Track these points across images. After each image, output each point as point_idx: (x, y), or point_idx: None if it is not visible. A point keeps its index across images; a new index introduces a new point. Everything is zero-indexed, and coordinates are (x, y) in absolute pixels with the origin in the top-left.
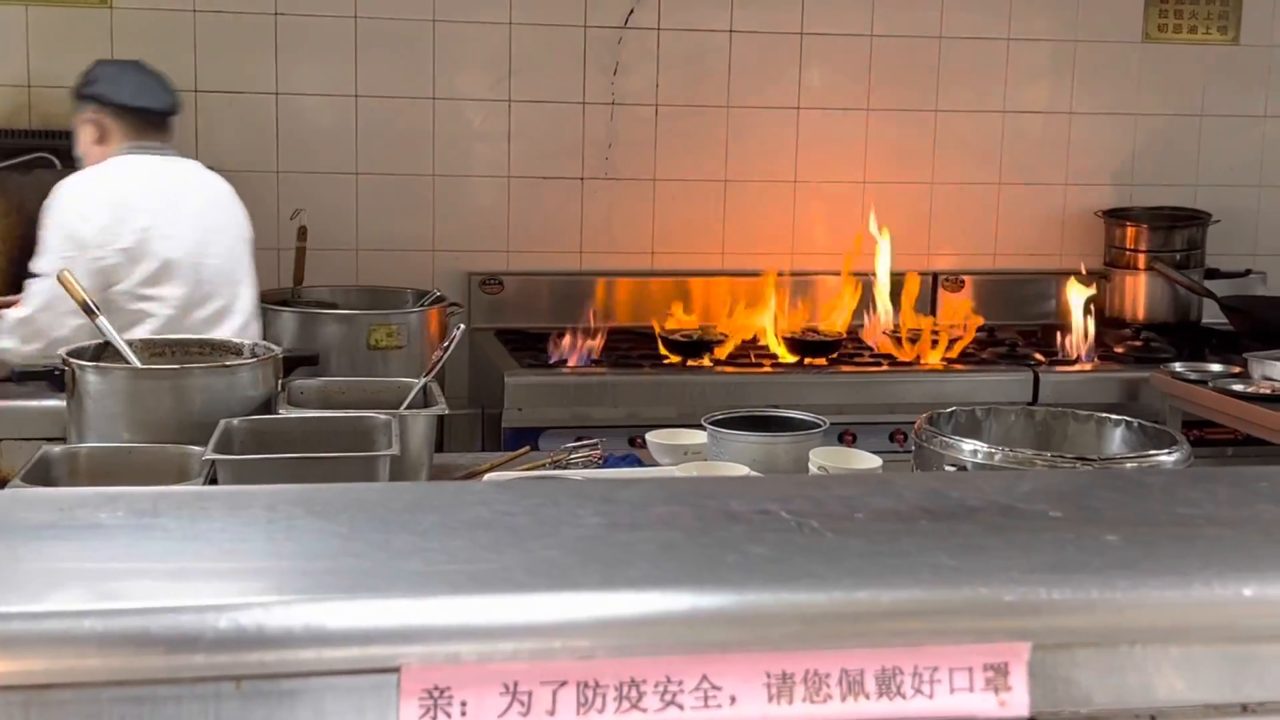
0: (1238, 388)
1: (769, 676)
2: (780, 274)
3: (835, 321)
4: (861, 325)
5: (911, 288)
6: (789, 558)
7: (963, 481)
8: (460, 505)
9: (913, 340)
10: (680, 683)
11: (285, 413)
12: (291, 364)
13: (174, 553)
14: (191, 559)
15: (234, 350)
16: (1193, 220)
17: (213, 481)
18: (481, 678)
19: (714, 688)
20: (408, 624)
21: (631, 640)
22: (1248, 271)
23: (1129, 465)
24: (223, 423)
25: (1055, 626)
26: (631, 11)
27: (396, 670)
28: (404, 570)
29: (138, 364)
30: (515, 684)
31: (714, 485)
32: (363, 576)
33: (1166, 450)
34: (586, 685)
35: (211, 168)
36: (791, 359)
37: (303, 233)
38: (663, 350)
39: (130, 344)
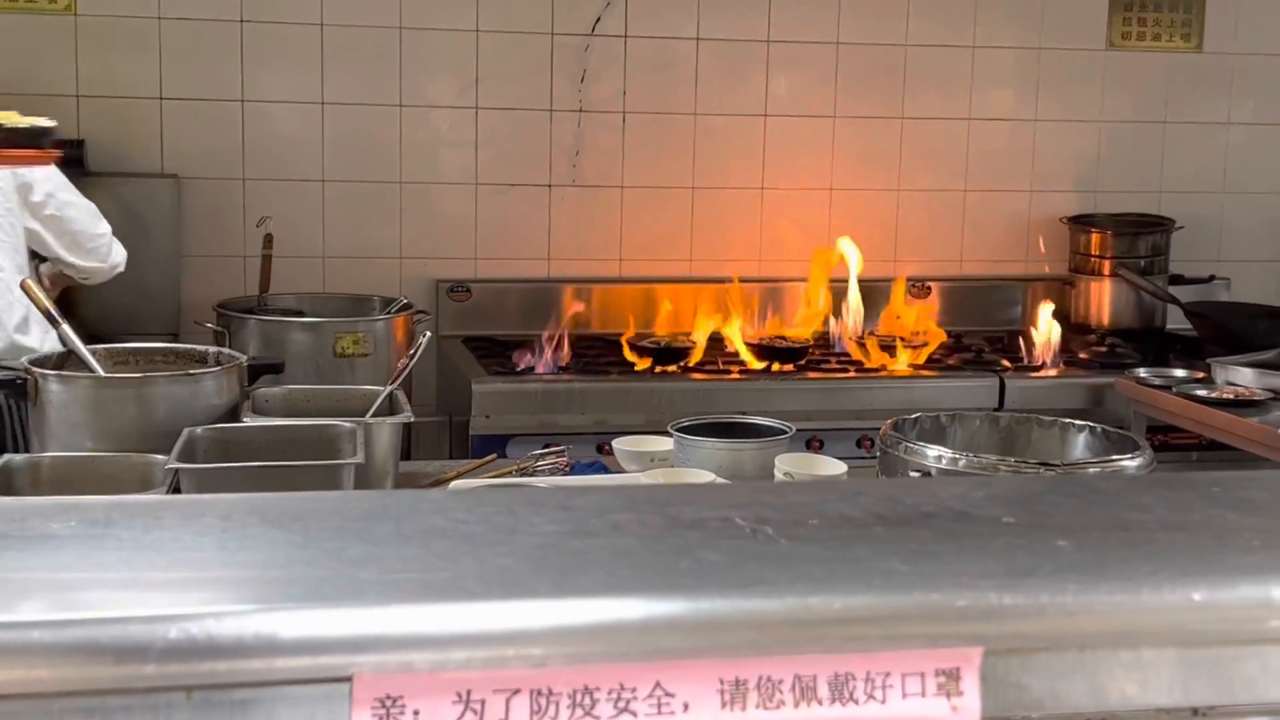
0: (1201, 393)
1: (722, 683)
2: (747, 280)
3: (803, 328)
4: (829, 332)
5: (898, 293)
6: (743, 564)
7: (918, 488)
8: (416, 514)
9: (886, 347)
10: (634, 690)
11: (250, 421)
12: (256, 372)
13: (126, 562)
14: (143, 569)
15: (198, 358)
16: (1157, 226)
17: (176, 490)
18: (434, 686)
19: (667, 695)
20: (360, 633)
21: (585, 648)
22: (1211, 277)
23: (1092, 470)
24: (186, 431)
25: (1006, 631)
26: (599, 19)
27: (349, 679)
28: (357, 579)
29: (101, 372)
30: (468, 692)
31: (670, 492)
32: (315, 585)
33: (1129, 455)
34: (540, 693)
35: (177, 175)
36: (759, 365)
37: (269, 240)
38: (630, 357)
39: (94, 352)
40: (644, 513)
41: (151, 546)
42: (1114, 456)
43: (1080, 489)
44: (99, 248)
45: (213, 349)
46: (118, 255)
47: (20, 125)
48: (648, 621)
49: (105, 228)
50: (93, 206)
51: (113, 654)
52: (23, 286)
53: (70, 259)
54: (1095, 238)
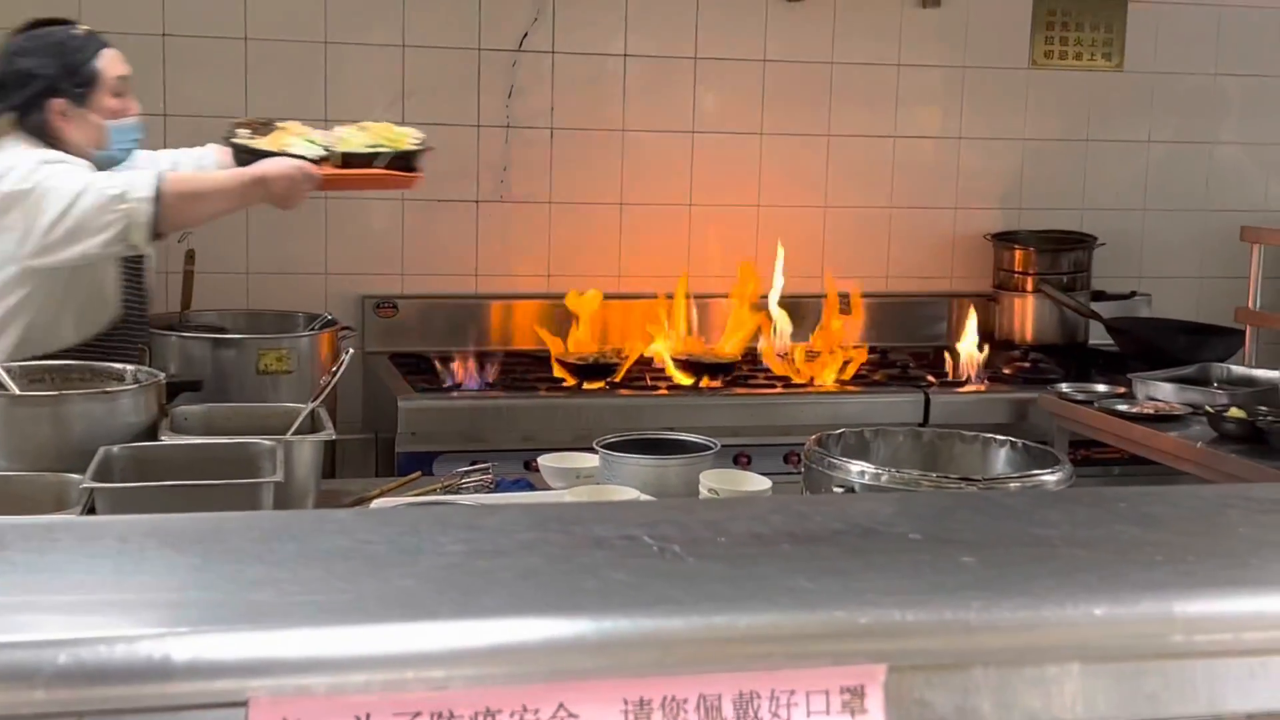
0: (1122, 408)
1: (626, 703)
2: (672, 296)
3: (730, 344)
4: (756, 347)
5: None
6: (648, 583)
7: (829, 505)
8: (320, 534)
9: (812, 359)
10: (537, 711)
11: (168, 439)
12: (175, 389)
13: (18, 586)
14: (36, 592)
15: (115, 376)
16: (1079, 243)
17: (91, 511)
18: (332, 710)
19: (571, 715)
20: (256, 656)
21: (487, 669)
22: (1133, 294)
23: (1012, 485)
24: (102, 450)
25: (909, 648)
26: (526, 34)
27: (244, 704)
28: (254, 601)
29: (15, 390)
30: (367, 715)
31: (580, 510)
32: (211, 609)
33: (1049, 470)
34: (440, 715)
35: None
36: (687, 381)
37: (190, 256)
38: (559, 373)
39: (8, 370)
40: (552, 531)
41: (47, 569)
42: (1034, 471)
43: (989, 505)
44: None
45: (130, 367)
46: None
47: (409, 148)
48: (551, 642)
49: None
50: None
51: (0, 679)
52: None
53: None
54: (1019, 254)
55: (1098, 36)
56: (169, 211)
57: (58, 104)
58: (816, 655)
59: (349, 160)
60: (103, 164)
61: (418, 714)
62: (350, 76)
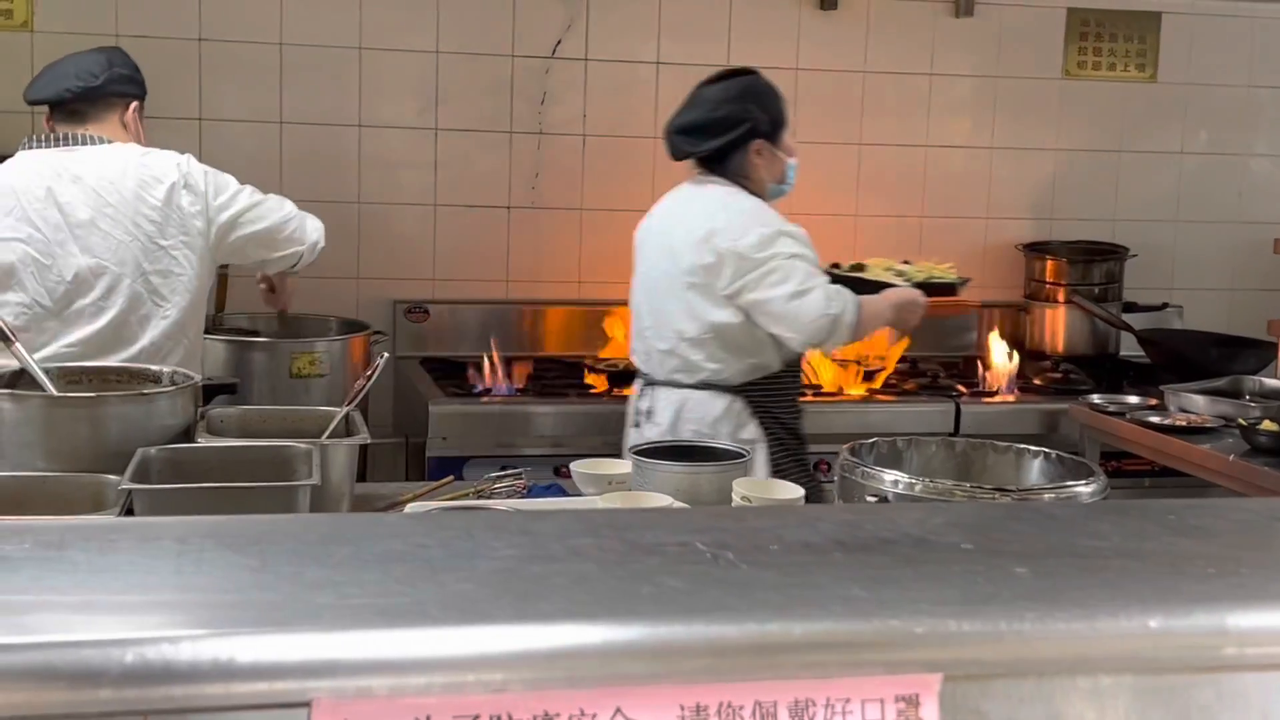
0: (1154, 419)
1: (683, 709)
2: None
3: None
4: None
5: None
6: (703, 590)
7: (877, 513)
8: (374, 537)
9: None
10: (594, 716)
11: (204, 442)
12: (211, 392)
13: (81, 585)
14: (99, 592)
15: (152, 378)
16: (1111, 254)
17: (129, 512)
18: (393, 712)
19: None
20: (318, 658)
21: (545, 673)
22: (1164, 305)
23: (1046, 496)
24: (140, 452)
25: (965, 658)
26: (559, 42)
27: (307, 705)
28: (315, 603)
29: (53, 391)
30: (427, 717)
31: (630, 517)
32: (273, 610)
33: (1083, 481)
34: (499, 718)
35: None
36: None
37: None
38: (589, 379)
39: (46, 371)
40: (604, 538)
41: (107, 569)
42: (1068, 482)
43: (1037, 516)
44: (292, 234)
45: (167, 369)
46: (313, 232)
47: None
48: (608, 647)
49: (289, 208)
50: (269, 198)
51: (67, 679)
52: None
53: (272, 256)
54: (1050, 265)
55: (1131, 47)
56: (857, 330)
57: (757, 145)
58: (872, 664)
59: (926, 288)
60: (773, 196)
61: (477, 716)
62: (384, 82)
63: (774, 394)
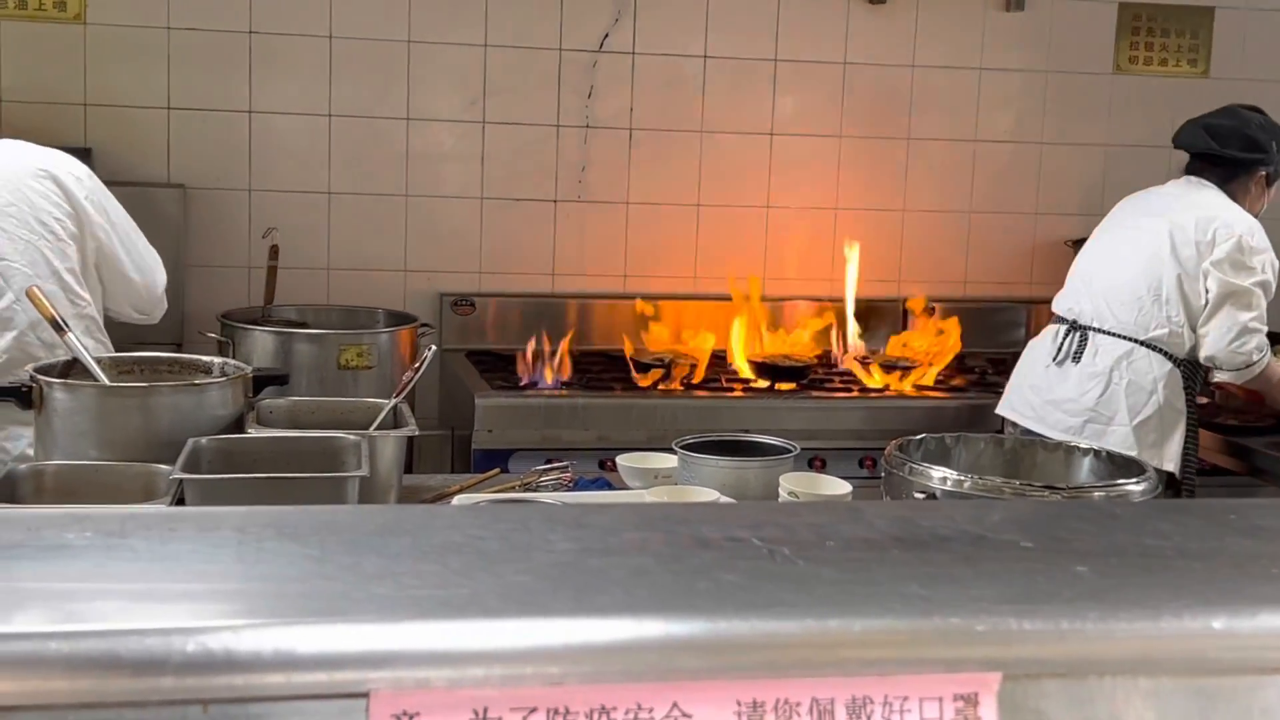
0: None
1: (740, 704)
2: (753, 298)
3: (806, 346)
4: (832, 351)
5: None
6: (760, 585)
7: (934, 510)
8: (432, 529)
9: (899, 367)
10: (651, 710)
11: (254, 432)
12: (261, 383)
13: (142, 574)
14: (160, 580)
15: (203, 369)
16: None
17: (180, 501)
18: (451, 703)
19: (684, 715)
20: (377, 648)
21: (602, 667)
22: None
23: (1097, 494)
24: (191, 442)
25: (1025, 657)
26: (607, 35)
27: (365, 695)
28: (374, 594)
29: (106, 381)
30: (485, 709)
31: (685, 511)
32: (333, 600)
33: (1134, 480)
34: (556, 711)
35: (183, 185)
36: (762, 383)
37: (274, 251)
38: (634, 373)
39: (99, 361)
40: (661, 532)
41: (168, 558)
42: (1119, 480)
43: (1097, 514)
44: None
45: (218, 360)
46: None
47: None
48: (665, 641)
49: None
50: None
51: (130, 666)
52: (29, 294)
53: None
54: None
55: (1183, 42)
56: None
57: (1260, 177)
58: (931, 662)
59: None
60: None
61: (534, 709)
62: (432, 75)
63: None
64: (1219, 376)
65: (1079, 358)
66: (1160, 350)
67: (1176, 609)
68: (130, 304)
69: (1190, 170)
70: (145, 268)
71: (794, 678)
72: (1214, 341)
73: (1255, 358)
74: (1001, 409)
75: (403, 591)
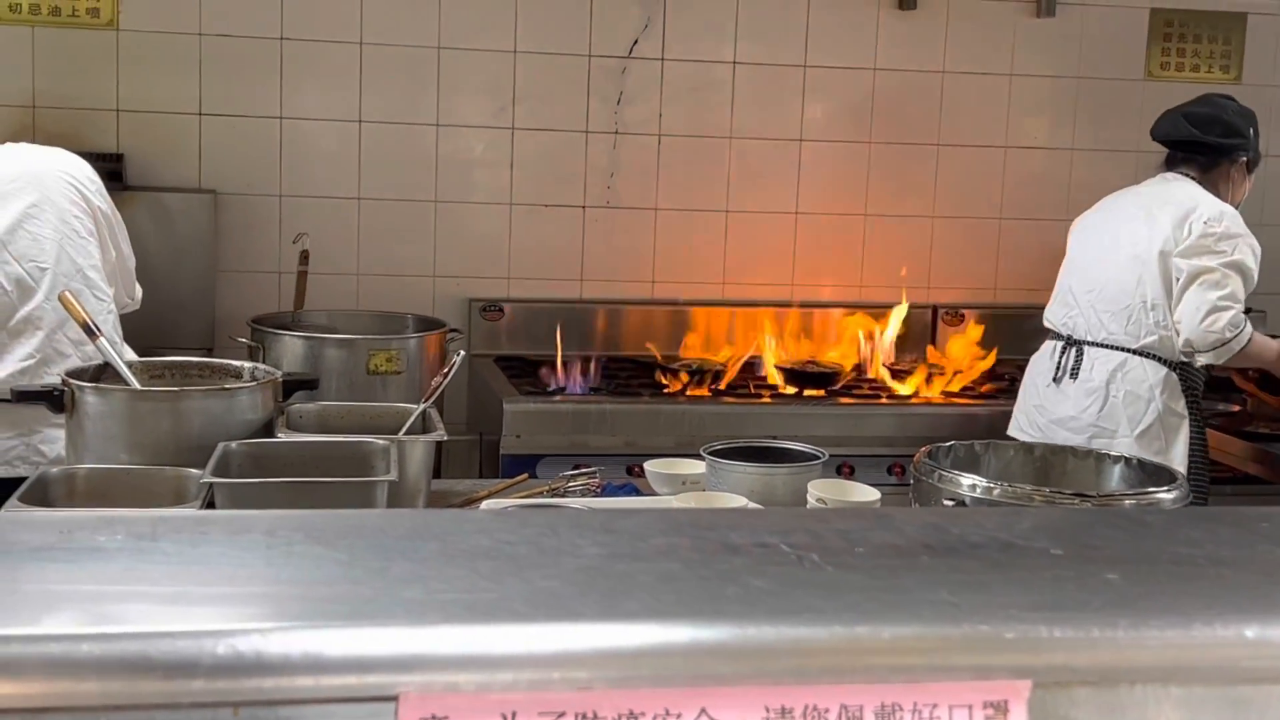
0: (1237, 426)
1: (768, 710)
2: (780, 305)
3: (834, 353)
4: (861, 358)
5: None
6: (789, 591)
7: (963, 517)
8: (460, 533)
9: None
10: (679, 715)
11: (284, 436)
12: (291, 388)
13: (173, 577)
14: (190, 583)
15: (233, 373)
16: None
17: (210, 504)
18: (479, 707)
19: None
20: (406, 652)
21: (630, 672)
22: (1248, 310)
23: (1127, 502)
24: (221, 446)
25: (1056, 665)
26: (636, 42)
27: (394, 699)
28: (403, 598)
29: (137, 385)
30: (513, 714)
31: (713, 517)
32: (362, 604)
33: (1165, 488)
34: (584, 716)
35: (214, 191)
36: (790, 390)
37: (304, 257)
38: (661, 379)
39: (129, 365)
40: (689, 537)
41: (198, 561)
42: (1150, 488)
43: (1128, 522)
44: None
45: (248, 364)
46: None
47: None
48: (694, 646)
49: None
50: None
51: (162, 669)
52: (61, 299)
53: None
54: None
55: (1215, 48)
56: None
57: (1241, 163)
58: (960, 669)
59: None
60: None
61: (562, 714)
62: (461, 82)
63: None
64: (1201, 360)
65: (1076, 374)
66: (1154, 356)
67: (1208, 617)
68: (126, 292)
69: (1169, 164)
70: (131, 254)
71: (823, 684)
72: (1186, 324)
73: (1228, 335)
74: (1011, 431)
75: (431, 595)
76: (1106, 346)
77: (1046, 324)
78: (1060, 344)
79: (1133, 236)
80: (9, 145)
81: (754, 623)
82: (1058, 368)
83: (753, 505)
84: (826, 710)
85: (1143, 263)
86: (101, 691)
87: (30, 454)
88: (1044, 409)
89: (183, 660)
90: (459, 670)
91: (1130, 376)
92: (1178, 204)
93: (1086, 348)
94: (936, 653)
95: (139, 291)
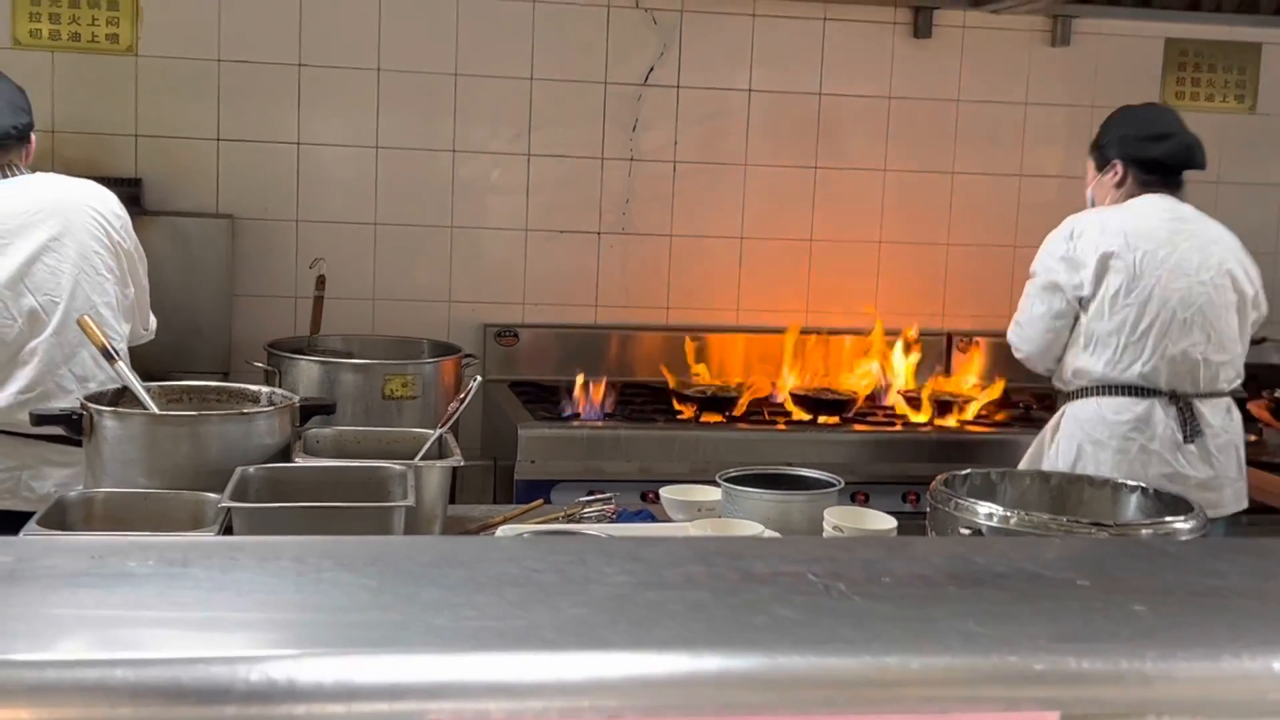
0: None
1: None
2: (795, 331)
3: (849, 380)
4: (876, 385)
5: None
6: (817, 621)
7: (988, 547)
8: (488, 560)
9: (939, 403)
10: None
11: (301, 461)
12: (308, 412)
13: (204, 603)
14: (222, 609)
15: (251, 398)
16: None
17: (228, 529)
18: None
19: None
20: (437, 679)
21: (659, 701)
22: (1264, 339)
23: (1144, 532)
24: (239, 470)
25: (1084, 697)
26: (651, 69)
27: None
28: (433, 625)
29: (155, 410)
30: None
31: (739, 545)
32: (392, 630)
33: (1182, 518)
34: None
35: (231, 215)
36: (805, 417)
37: (321, 282)
38: (676, 405)
39: (148, 390)
40: (716, 566)
41: (229, 587)
42: (1167, 518)
43: (1152, 553)
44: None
45: (265, 389)
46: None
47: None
48: (722, 676)
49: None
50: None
51: (194, 695)
52: (80, 323)
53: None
54: None
55: (1230, 77)
56: None
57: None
58: (989, 700)
59: None
60: None
61: None
62: (478, 108)
63: None
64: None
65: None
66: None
67: (1236, 649)
68: (142, 323)
69: (1170, 191)
70: (147, 284)
71: (852, 714)
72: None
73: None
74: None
75: (461, 622)
76: (1214, 395)
77: (1140, 383)
78: (1175, 408)
79: (1217, 280)
80: (38, 175)
81: (783, 652)
82: (1184, 429)
83: (769, 532)
84: None
85: (1236, 302)
86: (134, 717)
87: (20, 488)
88: (1175, 478)
89: (215, 686)
90: (489, 698)
91: (1234, 417)
92: (1220, 240)
93: (1195, 401)
94: (965, 684)
95: (153, 322)
